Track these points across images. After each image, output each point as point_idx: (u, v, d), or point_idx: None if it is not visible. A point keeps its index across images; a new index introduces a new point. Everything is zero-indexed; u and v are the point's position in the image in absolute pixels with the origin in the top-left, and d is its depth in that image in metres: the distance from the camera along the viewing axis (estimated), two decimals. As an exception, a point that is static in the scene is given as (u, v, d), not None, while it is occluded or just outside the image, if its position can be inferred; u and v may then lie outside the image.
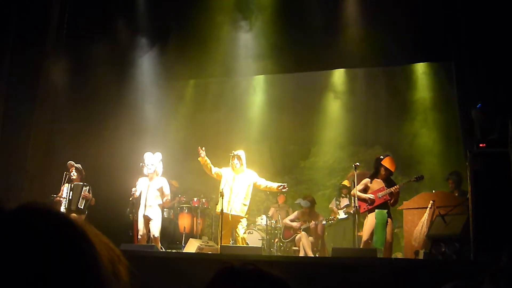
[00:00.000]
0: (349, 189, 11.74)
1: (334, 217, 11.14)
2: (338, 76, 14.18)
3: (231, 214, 9.17)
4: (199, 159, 9.56)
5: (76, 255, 0.93)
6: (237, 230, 9.34)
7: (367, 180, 9.29)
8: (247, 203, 9.35)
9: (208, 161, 9.49)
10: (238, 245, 9.25)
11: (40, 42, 11.44)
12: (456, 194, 9.65)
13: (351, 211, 11.23)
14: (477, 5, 9.21)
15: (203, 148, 9.46)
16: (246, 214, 9.34)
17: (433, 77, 13.10)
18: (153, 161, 9.61)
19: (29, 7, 11.29)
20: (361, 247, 9.00)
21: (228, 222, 9.23)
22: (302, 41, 11.33)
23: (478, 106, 8.28)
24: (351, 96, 13.93)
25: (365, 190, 9.20)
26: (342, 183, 12.25)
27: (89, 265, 0.94)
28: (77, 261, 0.93)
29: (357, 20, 10.83)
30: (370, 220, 9.00)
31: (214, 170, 9.54)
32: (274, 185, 9.50)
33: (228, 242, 9.46)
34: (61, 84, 11.73)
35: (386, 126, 13.67)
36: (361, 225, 9.48)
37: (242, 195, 9.32)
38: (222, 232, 9.08)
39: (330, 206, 12.18)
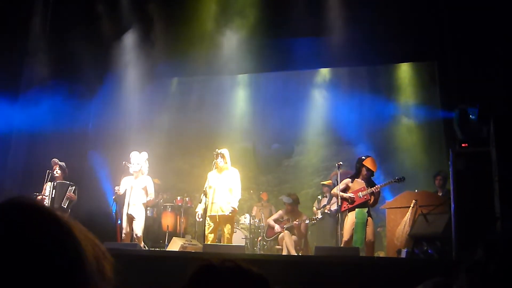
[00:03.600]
0: (329, 188, 11.79)
1: (316, 217, 11.17)
2: (322, 75, 14.20)
3: (218, 215, 9.18)
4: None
5: (61, 250, 0.93)
6: (224, 229, 9.32)
7: (348, 180, 9.34)
8: (231, 200, 9.32)
9: (203, 206, 9.26)
10: (221, 243, 9.25)
11: (22, 39, 11.34)
12: (441, 194, 9.70)
13: (327, 211, 11.25)
14: (460, 6, 9.27)
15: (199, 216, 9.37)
16: (232, 213, 9.30)
17: (416, 77, 13.16)
18: (139, 160, 9.60)
19: (10, 4, 11.17)
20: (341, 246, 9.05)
21: (214, 222, 9.23)
22: (286, 40, 11.33)
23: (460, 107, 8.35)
24: (335, 95, 13.94)
25: (345, 190, 9.25)
26: (322, 182, 12.28)
27: (74, 261, 0.94)
28: (62, 256, 0.93)
29: (342, 19, 10.84)
30: (350, 219, 9.04)
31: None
32: (232, 204, 9.32)
33: (213, 241, 9.44)
34: (44, 81, 11.63)
35: (370, 125, 13.70)
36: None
37: (227, 194, 9.29)
38: (207, 231, 9.08)
39: (314, 206, 12.17)
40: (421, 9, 9.95)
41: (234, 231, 11.16)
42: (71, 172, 10.36)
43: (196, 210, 9.53)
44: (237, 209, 9.41)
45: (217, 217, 9.21)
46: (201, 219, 9.27)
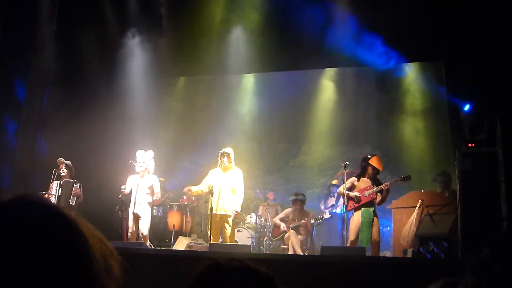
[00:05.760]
0: (337, 188, 11.74)
1: (322, 216, 11.13)
2: (329, 75, 14.17)
3: (220, 214, 9.21)
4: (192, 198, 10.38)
5: (68, 248, 0.93)
6: (224, 228, 9.36)
7: (353, 179, 9.27)
8: (234, 201, 9.35)
9: (196, 189, 9.54)
10: (227, 243, 9.26)
11: (30, 38, 11.36)
12: (447, 194, 9.65)
13: (336, 211, 11.23)
14: (467, 5, 9.24)
15: (188, 189, 9.59)
16: (233, 212, 9.33)
17: (423, 77, 13.10)
18: (144, 158, 9.60)
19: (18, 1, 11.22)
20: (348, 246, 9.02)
21: (217, 221, 9.25)
22: (293, 40, 11.31)
23: (466, 107, 8.32)
24: (341, 95, 13.92)
25: (351, 189, 9.17)
26: (331, 182, 12.27)
27: (81, 259, 0.94)
28: (69, 254, 0.93)
29: (347, 19, 10.83)
30: (356, 219, 8.97)
31: (204, 185, 9.51)
32: (235, 207, 9.41)
33: (217, 240, 9.46)
34: (50, 80, 11.66)
35: (376, 125, 13.67)
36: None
37: (230, 194, 9.32)
38: (212, 230, 9.09)
39: (321, 206, 12.16)
40: (427, 9, 9.92)
41: (240, 230, 11.20)
42: (77, 171, 10.39)
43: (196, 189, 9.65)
44: (240, 211, 9.47)
45: (218, 216, 9.25)
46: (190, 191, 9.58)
